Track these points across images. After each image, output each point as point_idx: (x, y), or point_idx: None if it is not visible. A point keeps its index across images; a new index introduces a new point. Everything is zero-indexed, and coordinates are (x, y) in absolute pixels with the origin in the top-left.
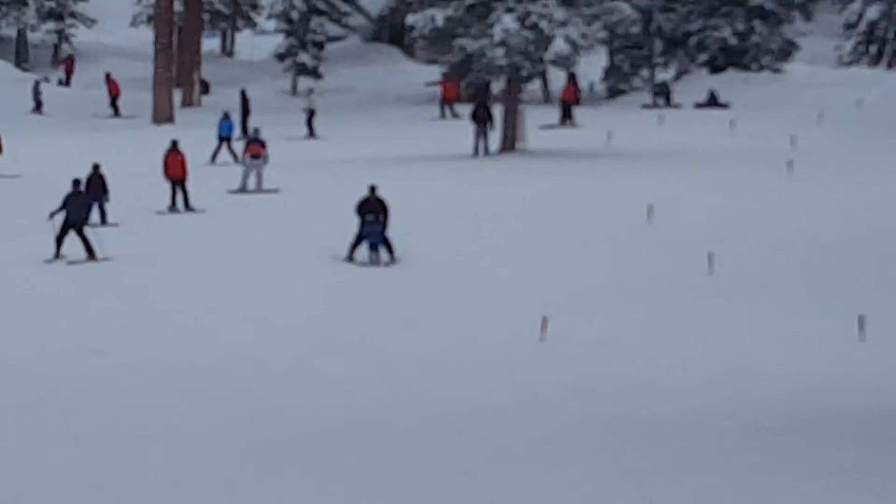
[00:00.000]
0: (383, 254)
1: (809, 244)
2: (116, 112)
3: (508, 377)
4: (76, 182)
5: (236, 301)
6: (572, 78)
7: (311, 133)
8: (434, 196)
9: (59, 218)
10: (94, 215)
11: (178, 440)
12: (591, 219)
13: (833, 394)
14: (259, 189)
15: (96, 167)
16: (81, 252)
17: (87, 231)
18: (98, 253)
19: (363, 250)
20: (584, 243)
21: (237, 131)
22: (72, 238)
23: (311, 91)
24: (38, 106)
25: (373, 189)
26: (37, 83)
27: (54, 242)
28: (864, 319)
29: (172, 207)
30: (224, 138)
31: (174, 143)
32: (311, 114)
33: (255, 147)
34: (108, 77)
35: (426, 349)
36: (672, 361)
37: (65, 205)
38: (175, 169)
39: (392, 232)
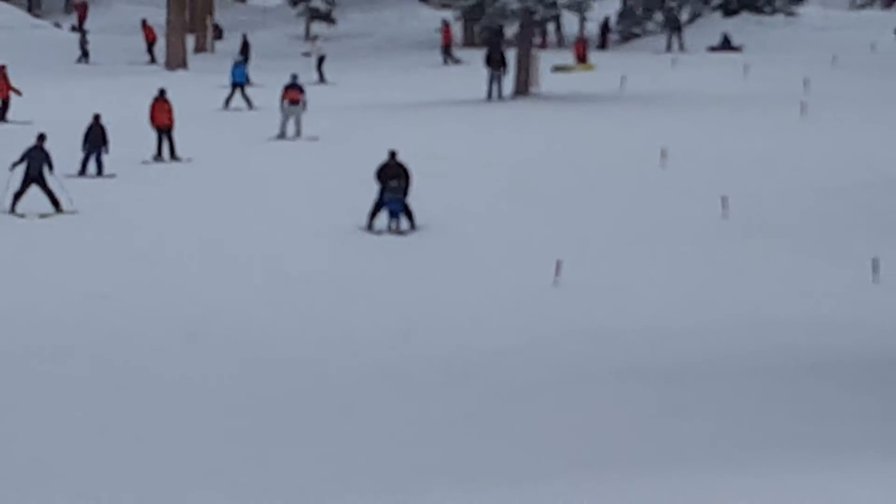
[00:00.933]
0: (403, 222)
1: (823, 188)
2: (153, 58)
3: (521, 322)
4: (40, 136)
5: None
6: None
7: (322, 79)
8: (447, 141)
9: (20, 169)
10: (91, 166)
11: (185, 385)
12: (605, 163)
13: (845, 337)
14: (298, 135)
15: (96, 117)
16: (48, 205)
17: (51, 182)
18: (64, 205)
19: (383, 218)
20: (598, 188)
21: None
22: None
23: (316, 37)
24: (85, 55)
25: (393, 154)
26: (83, 33)
27: (11, 196)
28: (877, 263)
29: (158, 157)
30: (237, 84)
31: (161, 92)
32: (320, 59)
33: (294, 93)
34: (144, 23)
35: (439, 296)
36: (685, 306)
37: (25, 158)
38: (161, 118)
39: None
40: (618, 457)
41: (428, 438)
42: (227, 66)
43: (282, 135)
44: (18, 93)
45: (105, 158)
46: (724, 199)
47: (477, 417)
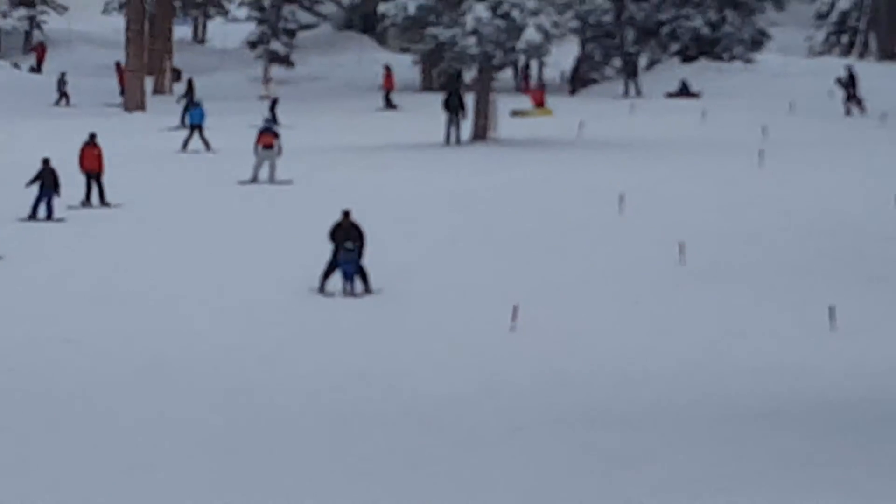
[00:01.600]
0: (358, 284)
1: (781, 234)
2: None
3: (479, 366)
4: None
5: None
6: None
7: (274, 120)
8: (404, 184)
9: None
10: (42, 209)
11: (145, 424)
12: (563, 208)
13: (802, 384)
14: (272, 181)
15: (46, 161)
16: None
17: None
18: None
19: (336, 280)
20: (556, 232)
21: (177, 121)
22: None
23: (270, 80)
24: (63, 97)
25: (346, 214)
26: (62, 75)
27: None
28: (834, 310)
29: (86, 202)
30: (195, 126)
31: (92, 136)
32: (273, 102)
33: (268, 137)
34: (118, 65)
35: (396, 338)
36: (643, 351)
37: None
38: (91, 162)
39: (361, 218)
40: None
41: (378, 480)
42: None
43: (254, 179)
44: None
45: (56, 202)
46: (681, 245)
47: (436, 462)
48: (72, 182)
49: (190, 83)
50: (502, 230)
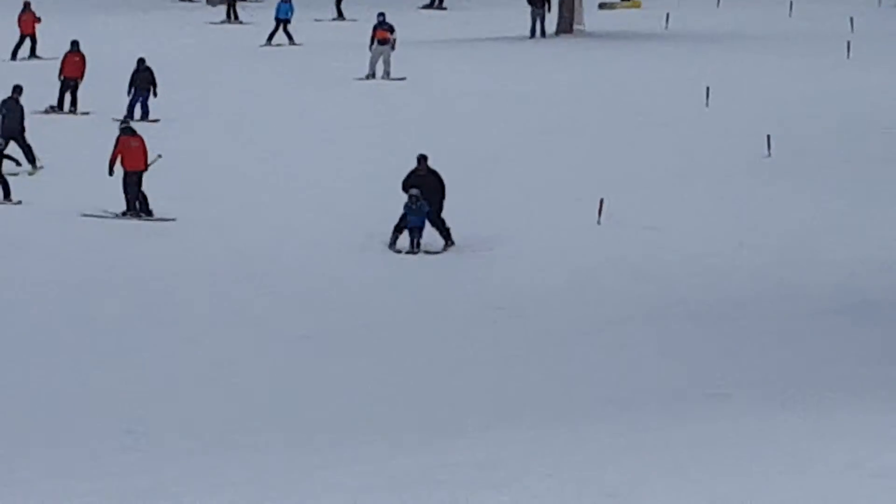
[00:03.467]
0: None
1: (867, 127)
2: None
3: (565, 260)
4: (16, 88)
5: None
6: None
7: (340, 15)
8: (490, 79)
9: None
10: (137, 110)
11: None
12: (649, 101)
13: (891, 278)
14: (387, 76)
15: (141, 61)
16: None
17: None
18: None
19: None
20: (642, 126)
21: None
22: None
23: None
24: None
25: (421, 159)
26: None
27: None
28: None
29: (56, 108)
30: (281, 20)
31: (74, 43)
32: None
33: (383, 32)
34: None
35: (485, 233)
36: (728, 244)
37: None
38: (71, 69)
39: (450, 111)
40: (660, 395)
41: (468, 377)
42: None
43: (371, 74)
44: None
45: (151, 103)
46: (768, 138)
47: (521, 357)
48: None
49: None
50: (587, 123)
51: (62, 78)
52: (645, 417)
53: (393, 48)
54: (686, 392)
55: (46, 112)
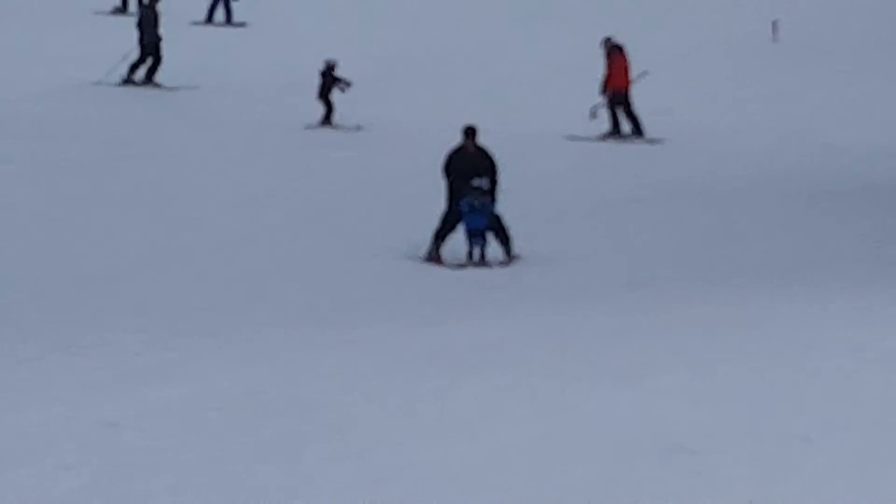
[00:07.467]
0: (492, 244)
1: (876, 11)
2: None
3: (573, 146)
4: None
5: None
6: None
7: None
8: None
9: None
10: (220, 14)
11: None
12: None
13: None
14: None
15: None
16: None
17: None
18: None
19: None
20: (646, 7)
21: None
22: None
23: None
24: None
25: (469, 133)
26: None
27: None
28: None
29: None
30: None
31: None
32: None
33: None
34: None
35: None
36: (733, 127)
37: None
38: None
39: None
40: (664, 278)
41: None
42: None
43: None
44: None
45: (234, 5)
46: (774, 23)
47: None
48: None
49: None
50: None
51: None
52: (649, 299)
53: None
54: (688, 275)
55: None
